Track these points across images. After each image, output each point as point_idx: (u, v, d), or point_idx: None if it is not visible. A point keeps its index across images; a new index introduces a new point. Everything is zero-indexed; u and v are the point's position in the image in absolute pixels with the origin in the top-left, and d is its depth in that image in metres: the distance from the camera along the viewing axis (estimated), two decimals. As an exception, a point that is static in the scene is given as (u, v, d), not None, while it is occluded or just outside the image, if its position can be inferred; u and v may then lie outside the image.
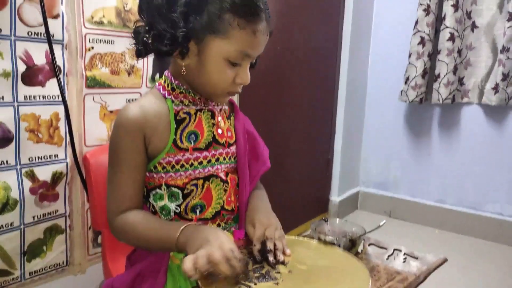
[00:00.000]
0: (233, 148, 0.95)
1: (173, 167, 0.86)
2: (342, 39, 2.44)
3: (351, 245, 0.96)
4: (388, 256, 1.01)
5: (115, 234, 0.86)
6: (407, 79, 2.35)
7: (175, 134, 0.86)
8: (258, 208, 0.95)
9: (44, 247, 1.17)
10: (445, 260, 0.97)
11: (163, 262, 0.84)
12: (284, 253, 0.85)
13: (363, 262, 0.99)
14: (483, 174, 2.37)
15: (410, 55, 2.33)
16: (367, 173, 2.79)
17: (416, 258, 0.99)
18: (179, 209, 0.88)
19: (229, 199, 0.93)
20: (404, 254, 1.01)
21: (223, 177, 0.92)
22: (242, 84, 0.87)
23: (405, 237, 2.35)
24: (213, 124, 0.91)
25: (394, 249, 1.03)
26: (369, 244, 1.06)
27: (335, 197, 2.57)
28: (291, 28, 2.06)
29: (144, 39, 0.82)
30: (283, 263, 0.84)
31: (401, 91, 2.40)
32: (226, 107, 0.98)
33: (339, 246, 0.95)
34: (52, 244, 1.19)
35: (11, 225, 1.08)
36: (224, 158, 0.93)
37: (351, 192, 2.72)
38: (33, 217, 1.13)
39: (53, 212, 1.17)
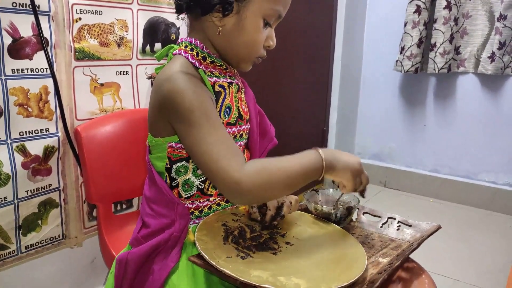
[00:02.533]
0: (248, 124, 0.93)
1: None
2: (338, 9, 2.39)
3: (347, 214, 0.96)
4: (382, 224, 1.02)
5: (253, 187, 0.71)
6: (402, 49, 2.33)
7: (215, 107, 0.82)
8: None
9: (39, 221, 1.17)
10: (439, 228, 0.97)
11: (180, 239, 0.82)
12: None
13: (357, 230, 1.00)
14: (478, 143, 2.38)
15: (405, 24, 2.30)
16: (362, 144, 2.79)
17: (410, 226, 1.00)
18: (203, 186, 0.85)
19: None
20: (398, 222, 1.01)
21: None
22: (270, 47, 0.86)
23: (400, 206, 2.37)
24: (238, 99, 0.89)
25: (388, 217, 1.03)
26: (364, 213, 1.07)
27: (331, 169, 2.58)
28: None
29: None
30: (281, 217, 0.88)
31: (396, 61, 2.38)
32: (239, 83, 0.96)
33: (336, 215, 0.95)
34: (47, 218, 1.19)
35: (4, 200, 1.08)
36: (244, 135, 0.91)
37: (347, 163, 2.73)
38: (27, 192, 1.12)
39: (46, 186, 1.17)
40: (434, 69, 2.28)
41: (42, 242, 1.19)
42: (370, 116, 2.72)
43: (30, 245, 1.16)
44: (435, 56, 2.26)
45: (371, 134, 2.75)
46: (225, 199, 0.90)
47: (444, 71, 2.29)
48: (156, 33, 1.36)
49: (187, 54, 0.82)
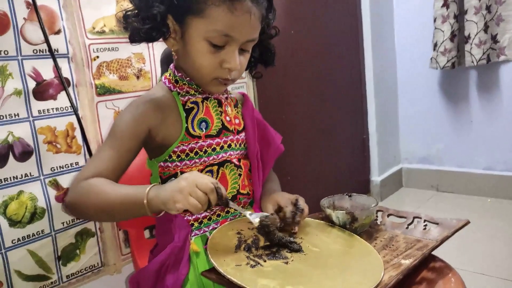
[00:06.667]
0: (243, 135, 0.97)
1: (187, 155, 0.87)
2: (362, 14, 2.37)
3: (351, 219, 0.91)
4: (408, 224, 0.97)
5: (73, 199, 0.79)
6: (435, 45, 2.25)
7: (187, 122, 0.87)
8: (275, 189, 1.00)
9: (78, 251, 1.23)
10: (467, 223, 0.91)
11: (185, 251, 0.85)
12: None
13: (382, 233, 0.96)
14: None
15: (435, 20, 2.22)
16: (408, 148, 2.69)
17: (437, 223, 0.94)
18: None
19: (243, 183, 0.94)
20: (424, 221, 0.97)
21: (236, 163, 0.93)
22: (230, 70, 0.84)
23: (456, 209, 2.24)
24: (221, 112, 0.93)
25: (414, 217, 0.98)
26: (388, 215, 1.03)
27: (376, 177, 2.50)
28: (309, 10, 2.03)
29: (129, 21, 0.84)
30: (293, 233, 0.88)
31: (431, 58, 2.29)
32: (233, 96, 1.00)
33: (338, 219, 0.93)
34: (85, 247, 1.24)
35: (42, 233, 1.14)
36: (235, 145, 0.94)
37: (394, 170, 2.63)
38: (62, 223, 1.19)
39: (81, 217, 1.23)
40: (472, 62, 2.17)
41: (82, 271, 1.25)
42: (412, 119, 2.62)
43: (71, 274, 1.22)
44: (471, 48, 2.16)
45: (416, 137, 2.64)
46: (225, 210, 0.91)
47: (483, 62, 2.17)
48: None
49: (165, 80, 0.92)
